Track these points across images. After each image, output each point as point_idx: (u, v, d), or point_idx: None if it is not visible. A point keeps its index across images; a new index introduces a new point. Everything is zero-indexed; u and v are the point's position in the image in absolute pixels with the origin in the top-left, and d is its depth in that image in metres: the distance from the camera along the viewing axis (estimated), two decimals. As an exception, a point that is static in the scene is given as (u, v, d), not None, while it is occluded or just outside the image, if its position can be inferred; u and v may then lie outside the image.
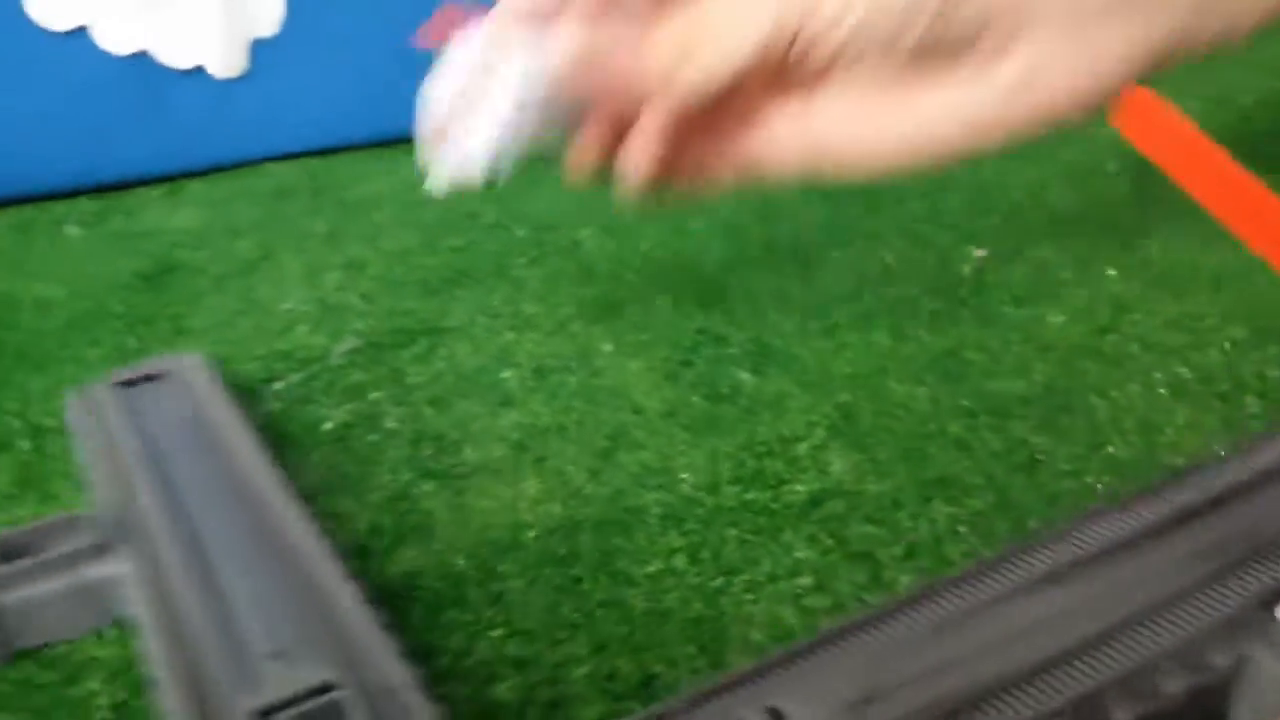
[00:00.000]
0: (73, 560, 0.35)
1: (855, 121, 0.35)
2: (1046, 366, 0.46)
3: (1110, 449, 0.41)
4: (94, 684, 0.34)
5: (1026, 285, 0.53)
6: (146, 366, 0.46)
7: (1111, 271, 0.53)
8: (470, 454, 0.44)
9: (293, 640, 0.30)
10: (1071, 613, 0.28)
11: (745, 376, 0.47)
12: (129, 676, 0.34)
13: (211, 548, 0.35)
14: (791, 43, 0.32)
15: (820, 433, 0.43)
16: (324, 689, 0.28)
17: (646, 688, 0.32)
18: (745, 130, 0.37)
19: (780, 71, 0.34)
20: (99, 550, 0.35)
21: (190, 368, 0.46)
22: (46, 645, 0.35)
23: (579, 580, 0.36)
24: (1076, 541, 0.31)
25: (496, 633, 0.34)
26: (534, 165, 0.80)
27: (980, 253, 0.56)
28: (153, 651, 0.31)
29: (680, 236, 0.64)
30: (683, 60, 0.33)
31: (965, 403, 0.44)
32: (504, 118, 0.35)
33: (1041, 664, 0.27)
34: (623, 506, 0.40)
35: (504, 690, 0.32)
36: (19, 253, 0.73)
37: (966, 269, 0.55)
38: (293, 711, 0.27)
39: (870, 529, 0.37)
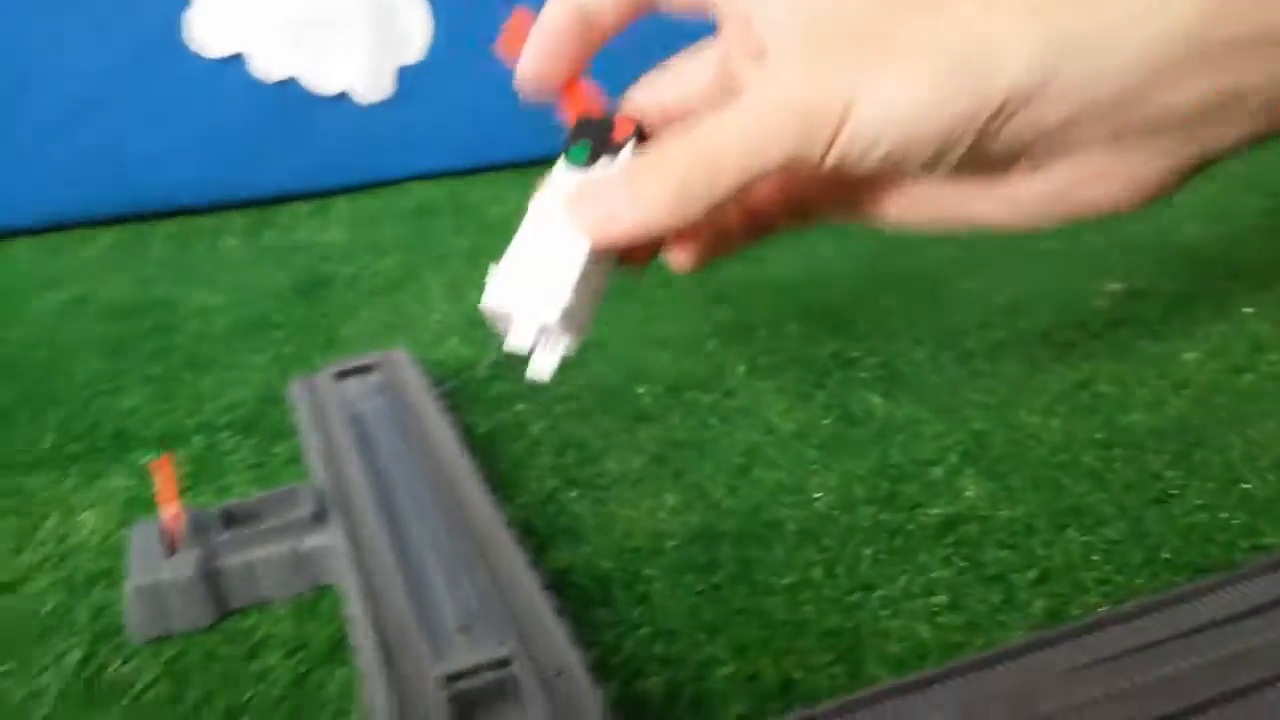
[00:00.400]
0: (288, 530, 0.39)
1: (908, 208, 0.35)
2: (1181, 402, 0.46)
3: (1245, 486, 0.41)
4: (273, 659, 0.36)
5: (1161, 321, 0.53)
6: (360, 359, 0.51)
7: (1248, 309, 0.53)
8: (611, 465, 0.46)
9: (478, 616, 0.33)
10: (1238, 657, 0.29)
11: (876, 401, 0.49)
12: (307, 651, 0.36)
13: (410, 525, 0.38)
14: (819, 164, 0.30)
15: (953, 458, 0.44)
16: (503, 663, 0.30)
17: (786, 691, 0.33)
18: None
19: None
20: (312, 522, 0.39)
21: (398, 362, 0.51)
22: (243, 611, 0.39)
23: (719, 587, 0.38)
24: (1245, 588, 0.31)
25: (643, 631, 0.36)
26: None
27: (1115, 287, 0.56)
28: (353, 616, 0.35)
29: (810, 263, 0.65)
30: (682, 188, 0.31)
31: (1099, 435, 0.44)
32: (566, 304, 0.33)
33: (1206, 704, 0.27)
34: (760, 521, 0.41)
35: (652, 685, 0.33)
36: (180, 262, 0.77)
37: (1100, 303, 0.55)
38: (475, 680, 0.30)
39: (1004, 554, 0.38)
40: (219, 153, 0.86)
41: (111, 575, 0.41)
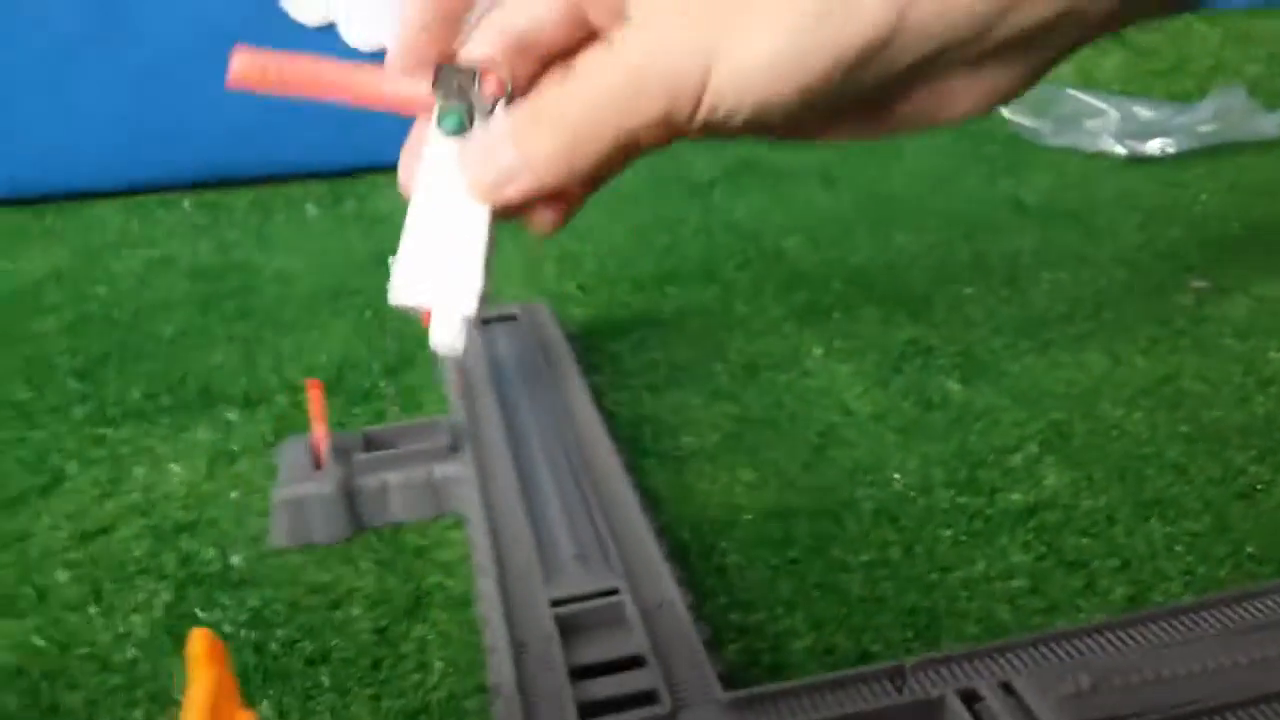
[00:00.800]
0: (423, 457, 0.41)
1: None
2: (1267, 400, 0.46)
3: (1333, 485, 0.40)
4: (355, 611, 0.37)
5: (1247, 319, 0.52)
6: (502, 309, 0.54)
7: (1338, 311, 0.52)
8: (687, 439, 0.46)
9: (591, 549, 0.35)
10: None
11: (954, 387, 0.48)
12: (388, 606, 0.37)
13: (537, 462, 0.41)
14: (689, 125, 0.30)
15: (1033, 447, 0.43)
16: (611, 592, 0.32)
17: (863, 664, 0.33)
18: None
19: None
20: (446, 452, 0.41)
21: (538, 313, 0.54)
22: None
23: (795, 562, 0.38)
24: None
25: (720, 601, 0.36)
26: (738, 176, 0.82)
27: (1199, 284, 0.56)
28: (476, 541, 0.36)
29: (887, 250, 0.65)
30: (573, 145, 0.30)
31: (1183, 429, 0.44)
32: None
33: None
34: (836, 499, 0.41)
35: (731, 652, 0.34)
36: (261, 228, 0.79)
37: (1185, 299, 0.54)
38: (584, 605, 0.32)
39: (1085, 541, 0.38)
40: (304, 120, 0.87)
41: (197, 525, 0.43)
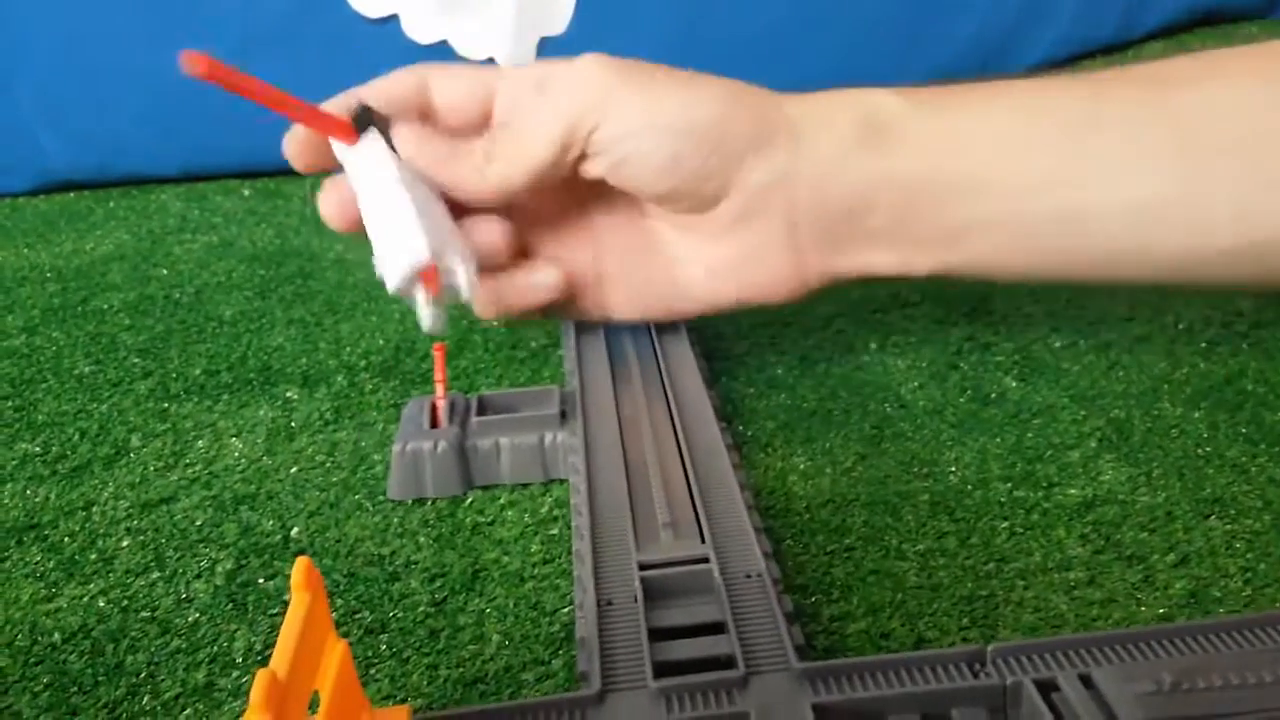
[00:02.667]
0: (535, 423, 0.43)
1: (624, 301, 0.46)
2: (1331, 404, 0.45)
3: (1398, 490, 0.40)
4: (414, 583, 0.37)
5: (1311, 324, 0.52)
6: None
7: (1405, 319, 0.52)
8: (740, 428, 0.46)
9: (687, 519, 0.36)
10: None
11: (1012, 384, 0.48)
12: (446, 579, 0.38)
13: (642, 432, 0.42)
14: (579, 154, 0.40)
15: (1091, 444, 0.43)
16: (701, 560, 0.33)
17: (919, 649, 0.33)
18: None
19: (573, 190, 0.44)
20: (556, 419, 0.43)
21: None
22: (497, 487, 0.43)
23: (851, 549, 0.38)
24: None
25: (775, 584, 0.36)
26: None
27: (1261, 289, 0.55)
28: (577, 506, 0.38)
29: (944, 250, 0.65)
30: (488, 161, 0.41)
31: (1244, 430, 0.43)
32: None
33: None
34: (891, 490, 0.41)
35: (786, 634, 0.34)
36: (319, 215, 0.79)
37: (1245, 303, 0.54)
38: (671, 571, 0.33)
39: (1144, 535, 0.38)
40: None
41: (257, 498, 0.43)
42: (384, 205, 0.39)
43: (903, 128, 0.40)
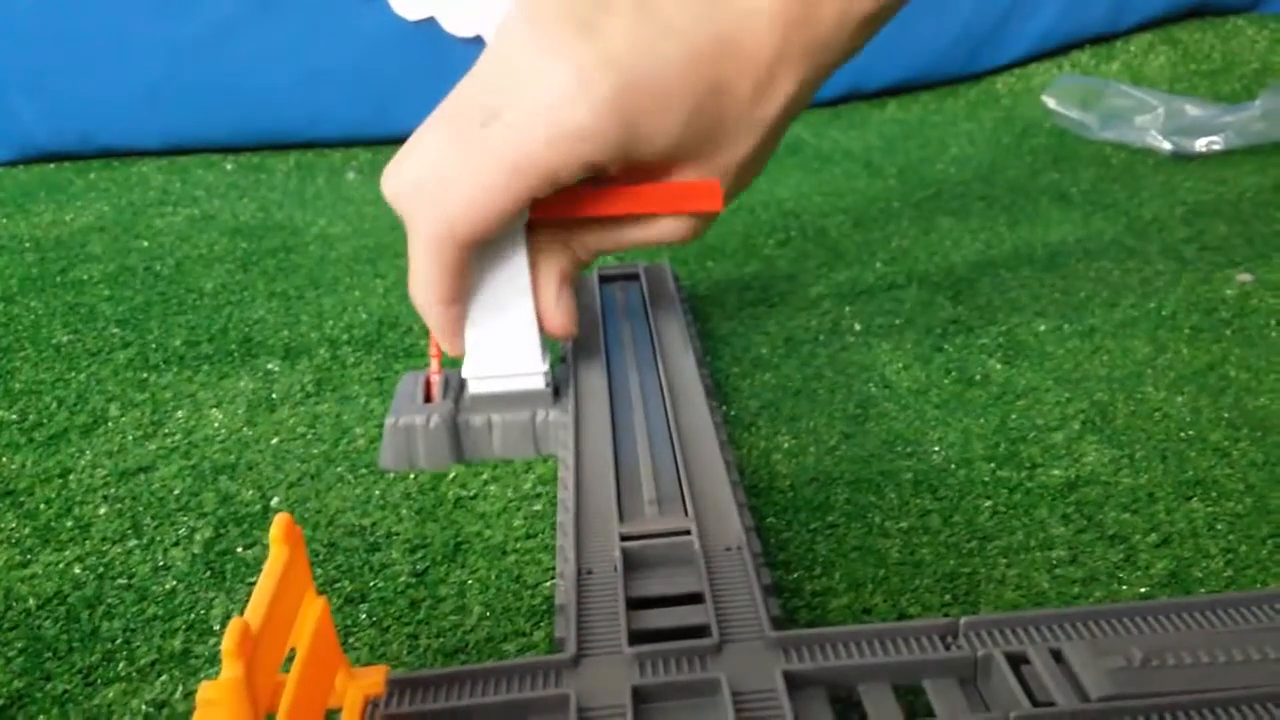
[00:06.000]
0: (527, 400, 0.43)
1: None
2: (1313, 391, 0.45)
3: (1378, 476, 0.40)
4: (395, 553, 0.37)
5: (1294, 312, 0.52)
6: (625, 268, 0.56)
7: (1386, 309, 0.52)
8: (725, 408, 0.46)
9: (671, 493, 0.36)
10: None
11: (996, 366, 0.48)
12: (427, 550, 0.37)
13: (632, 411, 0.42)
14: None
15: (1075, 425, 0.43)
16: (682, 533, 0.33)
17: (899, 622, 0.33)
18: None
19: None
20: (548, 397, 0.43)
21: (658, 273, 0.56)
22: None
23: (834, 526, 0.38)
24: None
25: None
26: (781, 157, 0.82)
27: (1245, 277, 0.55)
28: (564, 480, 0.38)
29: (930, 233, 0.65)
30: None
31: (1226, 415, 0.43)
32: None
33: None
34: (875, 469, 0.41)
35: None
36: (302, 191, 0.79)
37: (1230, 291, 0.54)
38: (652, 542, 0.33)
39: (1126, 516, 0.38)
40: (350, 88, 0.88)
41: (237, 468, 0.43)
42: (508, 312, 0.41)
43: None
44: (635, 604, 0.30)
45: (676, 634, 0.29)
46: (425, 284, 0.39)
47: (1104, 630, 0.28)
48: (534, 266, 0.41)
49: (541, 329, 0.42)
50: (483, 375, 0.42)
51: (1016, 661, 0.27)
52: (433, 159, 0.37)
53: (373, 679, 0.27)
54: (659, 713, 0.26)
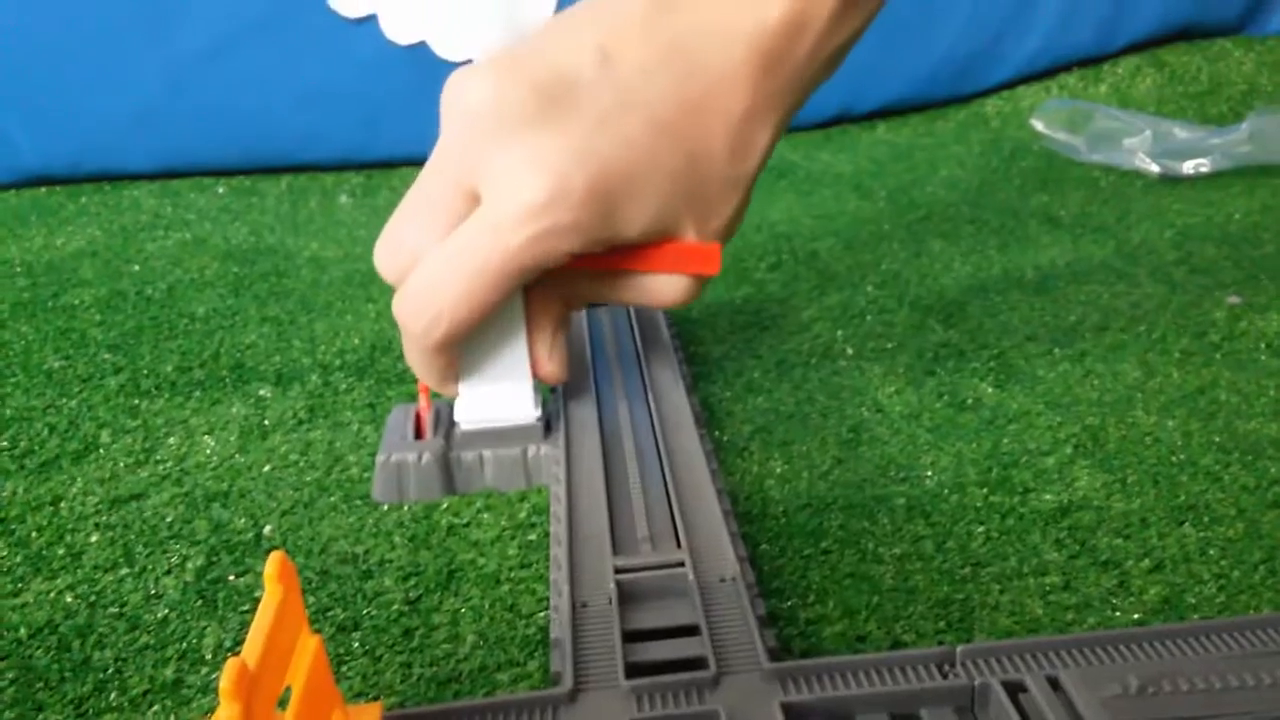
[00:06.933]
0: (518, 435, 0.43)
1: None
2: (1302, 415, 0.46)
3: (1369, 500, 0.40)
4: (388, 581, 0.37)
5: (1283, 335, 0.52)
6: None
7: (1375, 332, 0.52)
8: (717, 432, 0.46)
9: (664, 525, 0.36)
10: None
11: (988, 390, 0.48)
12: (421, 578, 0.37)
13: (624, 442, 0.42)
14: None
15: (1067, 450, 0.43)
16: (676, 565, 0.33)
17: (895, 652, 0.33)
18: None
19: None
20: (539, 431, 0.43)
21: None
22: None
23: (827, 553, 0.38)
24: None
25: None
26: (771, 181, 0.82)
27: (1234, 300, 0.55)
28: (556, 513, 0.38)
29: (921, 256, 0.65)
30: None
31: (1217, 439, 0.44)
32: None
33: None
34: (868, 494, 0.41)
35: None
36: (295, 215, 0.79)
37: (1219, 314, 0.54)
38: (646, 574, 0.33)
39: (1119, 541, 0.38)
40: (343, 112, 0.88)
41: (229, 495, 0.43)
42: (504, 354, 0.41)
43: None
44: (631, 636, 0.30)
45: (674, 666, 0.29)
46: (420, 366, 0.41)
47: (1100, 657, 0.28)
48: (528, 315, 0.41)
49: (534, 374, 0.42)
50: (475, 420, 0.42)
51: (1014, 690, 0.27)
52: (417, 260, 0.38)
53: (368, 717, 0.26)
54: (657, 745, 0.26)
